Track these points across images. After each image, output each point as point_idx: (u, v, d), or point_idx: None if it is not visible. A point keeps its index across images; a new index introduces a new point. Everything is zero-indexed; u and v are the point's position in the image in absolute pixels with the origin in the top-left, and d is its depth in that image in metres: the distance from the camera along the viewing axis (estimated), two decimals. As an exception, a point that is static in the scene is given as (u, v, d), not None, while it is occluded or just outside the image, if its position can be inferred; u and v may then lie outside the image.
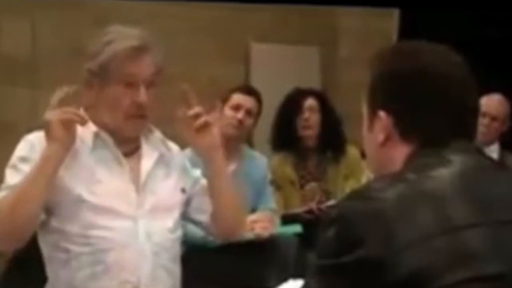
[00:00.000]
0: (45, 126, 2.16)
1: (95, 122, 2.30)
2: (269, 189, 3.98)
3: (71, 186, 2.22)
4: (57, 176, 2.19)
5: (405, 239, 1.28)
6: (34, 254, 2.36)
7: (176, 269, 2.39)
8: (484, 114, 4.24)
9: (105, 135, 2.29)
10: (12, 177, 2.22)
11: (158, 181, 2.35)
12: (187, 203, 2.44)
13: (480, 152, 1.48)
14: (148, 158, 2.35)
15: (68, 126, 2.17)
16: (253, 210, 3.83)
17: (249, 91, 4.04)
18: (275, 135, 4.27)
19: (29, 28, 5.36)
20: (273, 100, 4.29)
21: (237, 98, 3.93)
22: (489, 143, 4.30)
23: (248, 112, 3.91)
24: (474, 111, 1.49)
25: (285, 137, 4.24)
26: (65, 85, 2.21)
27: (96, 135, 2.29)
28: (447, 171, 1.38)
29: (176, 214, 2.38)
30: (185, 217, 2.45)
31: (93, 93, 2.28)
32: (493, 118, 4.32)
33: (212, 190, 2.40)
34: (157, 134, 2.42)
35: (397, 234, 1.28)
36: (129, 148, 2.34)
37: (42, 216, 2.22)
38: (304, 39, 5.96)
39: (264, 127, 4.25)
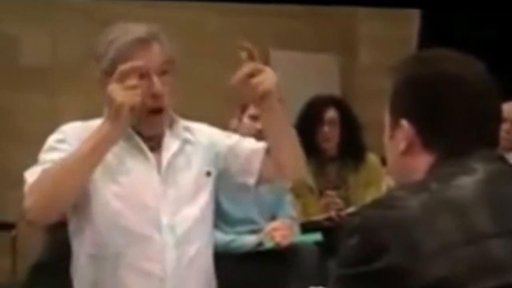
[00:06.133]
0: (114, 107, 2.08)
1: None
2: (289, 197, 3.97)
3: (100, 177, 2.19)
4: None
5: (428, 248, 1.27)
6: (57, 259, 2.35)
7: (203, 262, 2.34)
8: (505, 120, 4.21)
9: (131, 131, 2.25)
10: (51, 155, 2.20)
11: (180, 172, 2.32)
12: (223, 174, 2.40)
13: (503, 159, 1.46)
14: (168, 150, 2.32)
15: (132, 110, 2.10)
16: (273, 218, 3.82)
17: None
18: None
19: (48, 37, 5.39)
20: (292, 107, 4.27)
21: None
22: (510, 149, 4.27)
23: (267, 121, 3.90)
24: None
25: (304, 146, 4.20)
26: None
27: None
28: (470, 180, 1.36)
29: (203, 200, 2.34)
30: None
31: None
32: None
33: (272, 140, 2.40)
34: (181, 123, 2.38)
35: (421, 243, 1.27)
36: (154, 142, 2.30)
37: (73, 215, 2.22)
38: (323, 46, 5.95)
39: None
